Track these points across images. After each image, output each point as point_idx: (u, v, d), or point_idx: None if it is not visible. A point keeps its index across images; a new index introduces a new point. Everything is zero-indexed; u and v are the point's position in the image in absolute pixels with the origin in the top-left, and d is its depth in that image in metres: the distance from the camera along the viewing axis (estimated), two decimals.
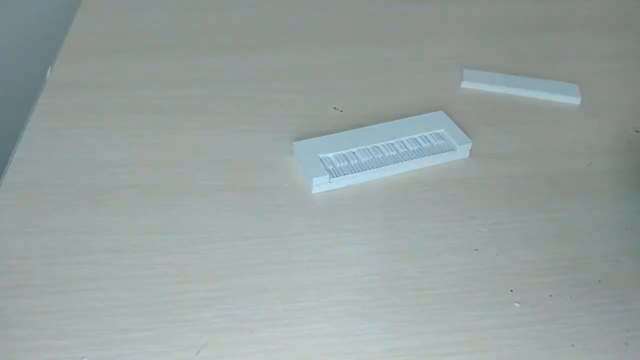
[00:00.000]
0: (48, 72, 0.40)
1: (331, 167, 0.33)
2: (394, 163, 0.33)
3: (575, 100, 0.37)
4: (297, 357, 0.25)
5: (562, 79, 0.42)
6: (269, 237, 0.30)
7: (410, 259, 0.29)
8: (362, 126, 0.37)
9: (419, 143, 0.34)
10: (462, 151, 0.34)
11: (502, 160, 0.35)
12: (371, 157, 0.33)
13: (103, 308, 0.26)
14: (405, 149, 0.34)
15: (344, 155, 0.33)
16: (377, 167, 0.33)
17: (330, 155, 0.33)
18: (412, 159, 0.33)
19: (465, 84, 0.40)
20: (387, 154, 0.34)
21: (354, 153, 0.33)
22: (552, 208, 0.32)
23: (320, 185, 0.31)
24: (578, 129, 0.38)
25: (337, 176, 0.32)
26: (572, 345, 0.26)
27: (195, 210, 0.31)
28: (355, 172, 0.32)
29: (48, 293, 0.27)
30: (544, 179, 0.34)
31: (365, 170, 0.32)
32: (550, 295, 0.28)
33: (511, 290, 0.28)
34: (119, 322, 0.26)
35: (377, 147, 0.34)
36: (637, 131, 0.38)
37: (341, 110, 0.38)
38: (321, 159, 0.32)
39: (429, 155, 0.33)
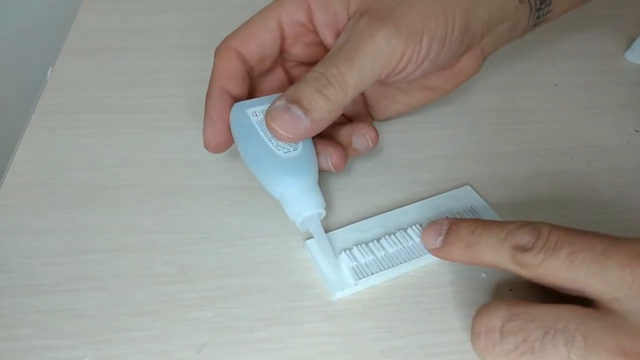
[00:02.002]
0: (49, 72, 0.40)
1: (355, 263, 0.28)
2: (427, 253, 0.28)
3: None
4: (297, 356, 0.25)
5: (562, 79, 0.42)
6: (269, 236, 0.30)
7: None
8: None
9: None
10: None
11: (500, 160, 0.35)
12: (400, 246, 0.29)
13: (103, 307, 0.26)
14: None
15: (367, 246, 0.29)
16: (409, 260, 0.28)
17: (352, 247, 0.29)
18: None
19: None
20: (417, 240, 0.29)
21: (379, 242, 0.29)
22: (552, 208, 0.32)
23: (344, 290, 0.27)
24: (577, 129, 0.38)
25: (362, 277, 0.27)
26: None
27: (195, 210, 0.31)
28: (384, 268, 0.28)
29: (48, 293, 0.27)
30: (544, 178, 0.34)
31: (396, 264, 0.28)
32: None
33: (511, 290, 0.28)
34: (120, 321, 0.26)
35: (406, 232, 0.29)
36: (636, 131, 0.38)
37: None
38: (341, 254, 0.28)
39: None
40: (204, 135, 0.31)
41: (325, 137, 0.32)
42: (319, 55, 0.32)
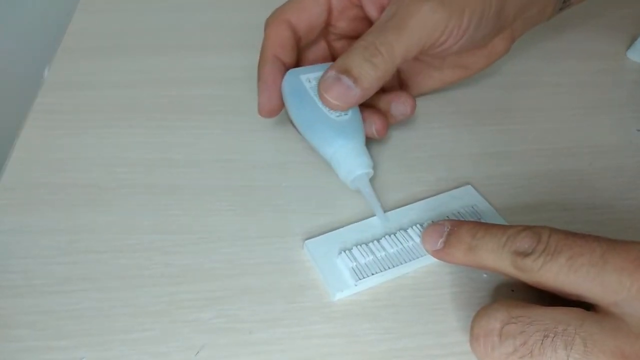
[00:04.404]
0: (45, 72, 0.40)
1: (355, 264, 0.28)
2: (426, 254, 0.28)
3: None
4: (296, 357, 0.25)
5: (563, 78, 0.42)
6: (269, 237, 0.30)
7: None
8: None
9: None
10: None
11: (502, 160, 0.35)
12: (400, 246, 0.29)
13: (103, 308, 0.26)
14: None
15: (367, 246, 0.28)
16: (410, 261, 0.28)
17: (351, 247, 0.28)
18: None
19: None
20: (418, 240, 0.29)
21: (379, 242, 0.29)
22: (553, 208, 0.32)
23: (344, 291, 0.27)
24: (578, 129, 0.38)
25: (362, 277, 0.27)
26: None
27: (195, 210, 0.31)
28: (384, 269, 0.28)
29: (48, 293, 0.27)
30: (545, 178, 0.34)
31: (396, 265, 0.28)
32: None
33: (512, 290, 0.28)
34: (119, 322, 0.26)
35: (407, 232, 0.29)
36: (638, 130, 0.38)
37: None
38: (341, 254, 0.28)
39: None
40: (259, 100, 0.32)
41: (367, 105, 0.33)
42: (361, 29, 0.34)
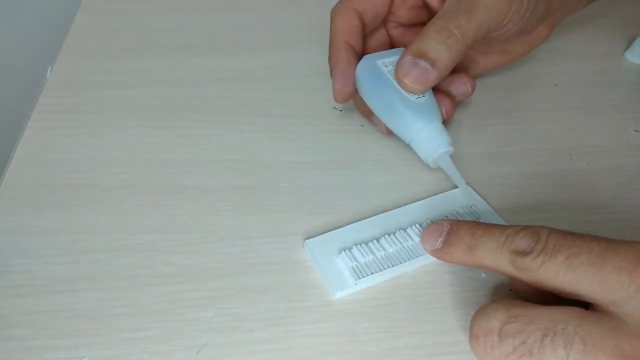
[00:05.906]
0: (48, 72, 0.40)
1: (355, 263, 0.28)
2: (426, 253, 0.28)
3: None
4: (297, 356, 0.25)
5: (563, 78, 0.42)
6: (269, 236, 0.30)
7: None
8: (362, 126, 0.37)
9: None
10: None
11: (502, 160, 0.35)
12: (400, 245, 0.29)
13: (103, 308, 0.26)
14: None
15: (367, 246, 0.29)
16: (409, 260, 0.28)
17: (351, 246, 0.29)
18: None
19: None
20: (417, 240, 0.29)
21: (378, 241, 0.29)
22: (552, 208, 0.32)
23: (344, 290, 0.27)
24: (577, 129, 0.38)
25: (362, 276, 0.27)
26: None
27: (195, 210, 0.31)
28: (384, 268, 0.28)
29: (48, 293, 0.27)
30: (544, 178, 0.34)
31: (396, 264, 0.28)
32: None
33: (510, 290, 0.28)
34: (119, 322, 0.26)
35: (406, 231, 0.30)
36: (636, 131, 0.38)
37: (341, 110, 0.38)
38: (341, 254, 0.28)
39: None
40: (334, 86, 0.34)
41: (432, 88, 0.34)
42: (419, 17, 0.37)
